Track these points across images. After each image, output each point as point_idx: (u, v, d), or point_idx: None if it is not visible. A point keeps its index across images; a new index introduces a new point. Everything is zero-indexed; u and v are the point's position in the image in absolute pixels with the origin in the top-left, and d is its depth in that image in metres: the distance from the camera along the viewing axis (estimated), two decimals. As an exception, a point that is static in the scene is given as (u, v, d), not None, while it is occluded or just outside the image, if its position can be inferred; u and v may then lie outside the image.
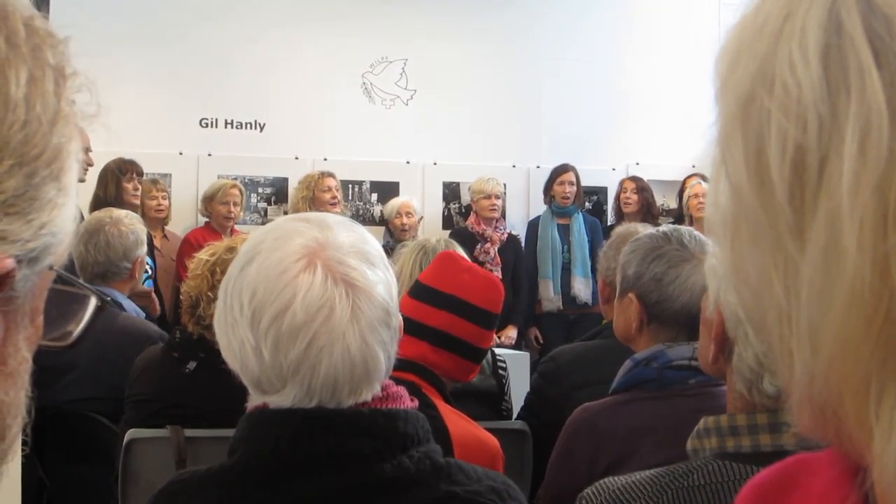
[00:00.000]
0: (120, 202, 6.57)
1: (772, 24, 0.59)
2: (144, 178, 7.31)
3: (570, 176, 8.34)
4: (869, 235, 0.53)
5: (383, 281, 1.62)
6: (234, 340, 1.59)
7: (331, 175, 8.07)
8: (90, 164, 6.29)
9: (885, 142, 0.52)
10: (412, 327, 2.69)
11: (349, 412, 1.58)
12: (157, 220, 7.41)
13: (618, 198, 8.70)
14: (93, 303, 0.88)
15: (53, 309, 0.83)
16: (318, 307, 1.54)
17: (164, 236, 7.59)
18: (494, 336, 3.37)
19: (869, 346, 0.55)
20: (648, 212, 8.50)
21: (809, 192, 0.56)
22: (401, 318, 1.69)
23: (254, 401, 1.64)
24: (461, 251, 3.39)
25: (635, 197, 8.50)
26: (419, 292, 2.80)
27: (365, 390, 1.59)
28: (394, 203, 8.34)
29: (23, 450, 0.84)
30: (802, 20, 0.57)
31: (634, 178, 8.71)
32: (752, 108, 0.59)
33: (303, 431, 1.56)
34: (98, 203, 6.57)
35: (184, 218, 8.25)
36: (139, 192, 7.16)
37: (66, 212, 0.76)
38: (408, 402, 1.67)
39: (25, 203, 0.71)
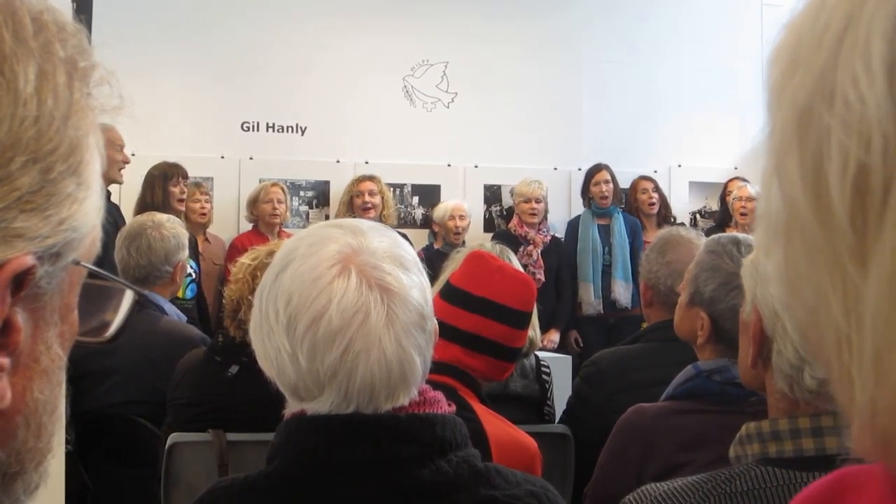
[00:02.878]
0: (166, 206, 6.61)
1: (832, 32, 0.55)
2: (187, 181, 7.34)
3: (605, 174, 8.26)
4: None
5: (418, 285, 1.62)
6: (270, 348, 1.60)
7: (369, 178, 8.00)
8: (126, 162, 6.32)
9: None
10: (444, 330, 2.68)
11: (386, 418, 1.57)
12: (199, 224, 7.45)
13: (634, 199, 8.62)
14: (130, 297, 0.86)
15: (90, 305, 0.82)
16: (354, 312, 1.54)
17: (206, 240, 7.62)
18: (539, 339, 3.36)
19: None
20: (667, 212, 8.47)
21: (873, 215, 0.52)
22: (436, 322, 1.69)
23: (291, 408, 1.64)
24: (515, 260, 3.38)
25: (656, 196, 8.45)
26: (450, 294, 2.79)
27: (402, 395, 1.59)
28: (446, 206, 8.30)
29: (66, 448, 0.84)
30: (866, 30, 0.53)
31: (649, 178, 8.62)
32: (809, 121, 0.56)
33: (340, 438, 1.56)
34: (145, 207, 6.61)
35: (226, 221, 8.27)
36: (185, 196, 7.19)
37: (88, 206, 0.75)
38: (445, 407, 1.66)
39: (42, 199, 0.70)
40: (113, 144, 6.10)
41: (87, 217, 0.75)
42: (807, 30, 0.58)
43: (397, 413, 1.58)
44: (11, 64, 0.69)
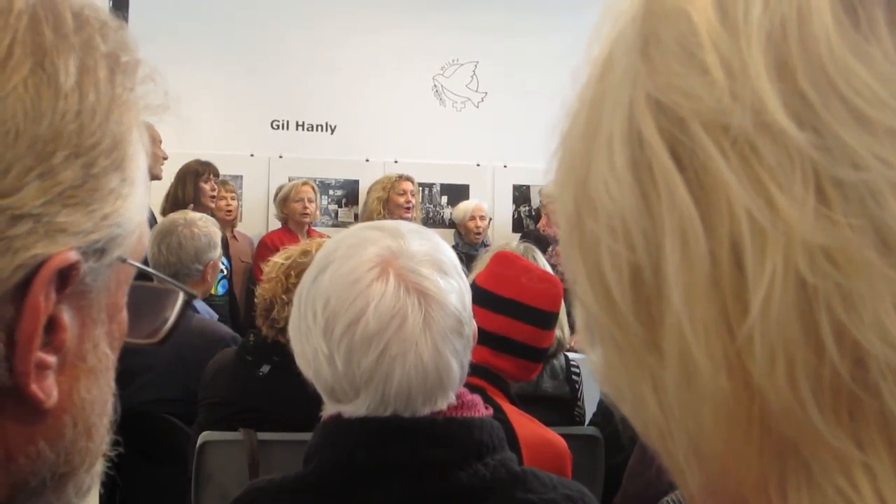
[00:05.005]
0: (197, 203, 6.65)
1: (584, 140, 0.57)
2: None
3: None
4: (716, 342, 0.50)
5: (456, 290, 1.61)
6: (307, 349, 1.60)
7: (408, 179, 8.04)
8: (165, 158, 6.36)
9: (702, 243, 0.50)
10: None
11: (424, 421, 1.57)
12: (225, 222, 7.44)
13: None
14: (181, 298, 0.85)
15: (139, 306, 0.81)
16: (391, 316, 1.53)
17: (234, 237, 7.62)
18: (567, 339, 3.35)
19: (755, 451, 0.51)
20: None
21: (654, 307, 0.53)
22: (475, 325, 1.68)
23: (328, 409, 1.64)
24: (541, 259, 3.37)
25: None
26: (476, 296, 2.78)
27: (440, 399, 1.58)
28: (465, 207, 8.32)
29: (115, 449, 0.83)
30: (609, 134, 0.54)
31: None
32: (583, 232, 0.56)
33: (378, 441, 1.56)
34: (176, 203, 6.64)
35: (255, 219, 8.30)
36: (216, 194, 7.22)
37: (132, 202, 0.74)
38: (482, 410, 1.66)
39: (85, 194, 0.69)
40: (154, 141, 6.13)
41: (132, 213, 0.74)
42: (567, 135, 0.60)
43: (435, 417, 1.58)
44: (52, 58, 0.68)
